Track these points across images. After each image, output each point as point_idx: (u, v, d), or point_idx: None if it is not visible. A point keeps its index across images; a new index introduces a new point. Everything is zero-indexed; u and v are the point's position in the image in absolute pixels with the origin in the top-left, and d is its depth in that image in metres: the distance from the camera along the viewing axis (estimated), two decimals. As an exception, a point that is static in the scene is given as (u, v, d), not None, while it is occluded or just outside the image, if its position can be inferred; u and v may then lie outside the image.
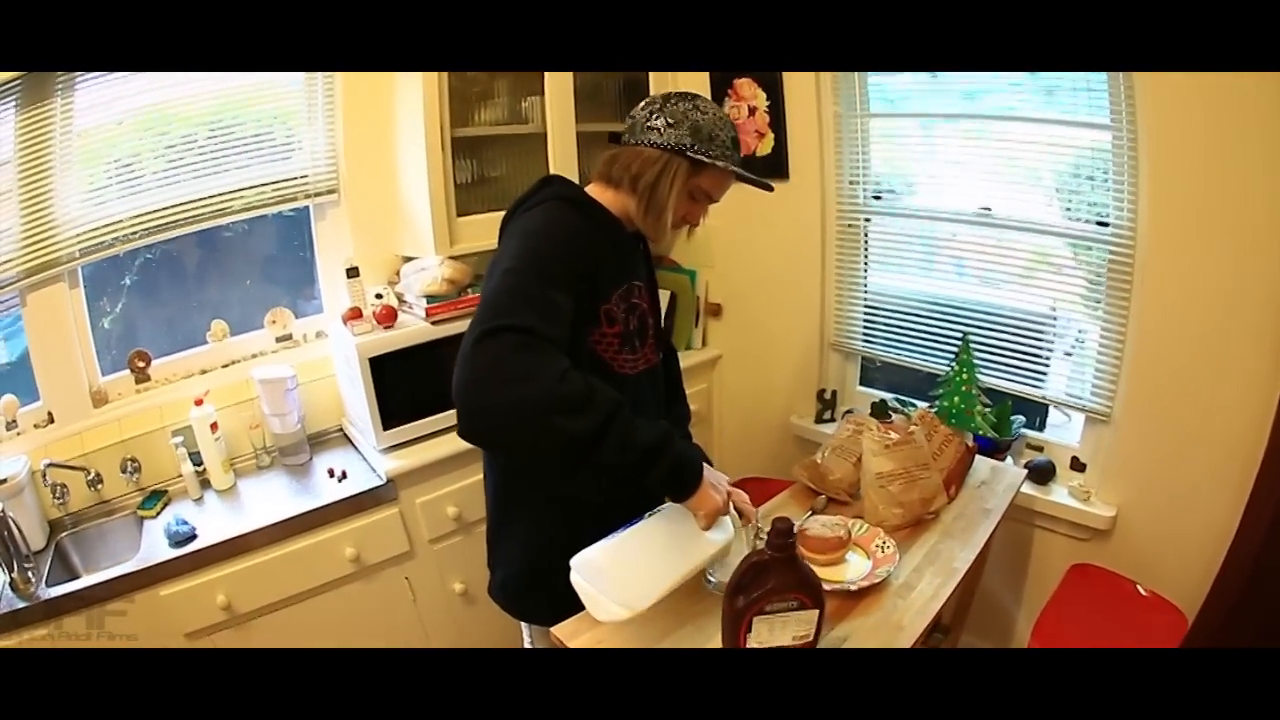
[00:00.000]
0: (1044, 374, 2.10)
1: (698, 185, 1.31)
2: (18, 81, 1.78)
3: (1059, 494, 2.02)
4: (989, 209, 2.09)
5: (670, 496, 1.19)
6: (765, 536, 1.31)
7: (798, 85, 2.30)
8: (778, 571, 1.08)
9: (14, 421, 1.94)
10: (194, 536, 1.87)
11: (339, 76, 2.23)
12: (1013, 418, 2.09)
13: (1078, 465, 2.04)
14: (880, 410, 2.34)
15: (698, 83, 2.51)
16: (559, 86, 2.29)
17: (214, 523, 1.94)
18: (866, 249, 2.41)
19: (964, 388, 1.91)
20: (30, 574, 1.74)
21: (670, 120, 1.27)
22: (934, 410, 1.91)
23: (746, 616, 1.08)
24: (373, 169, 2.32)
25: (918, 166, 2.31)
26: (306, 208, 2.37)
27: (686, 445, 1.16)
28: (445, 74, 2.06)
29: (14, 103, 1.80)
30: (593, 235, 1.27)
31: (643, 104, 1.33)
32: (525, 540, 1.45)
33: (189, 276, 2.35)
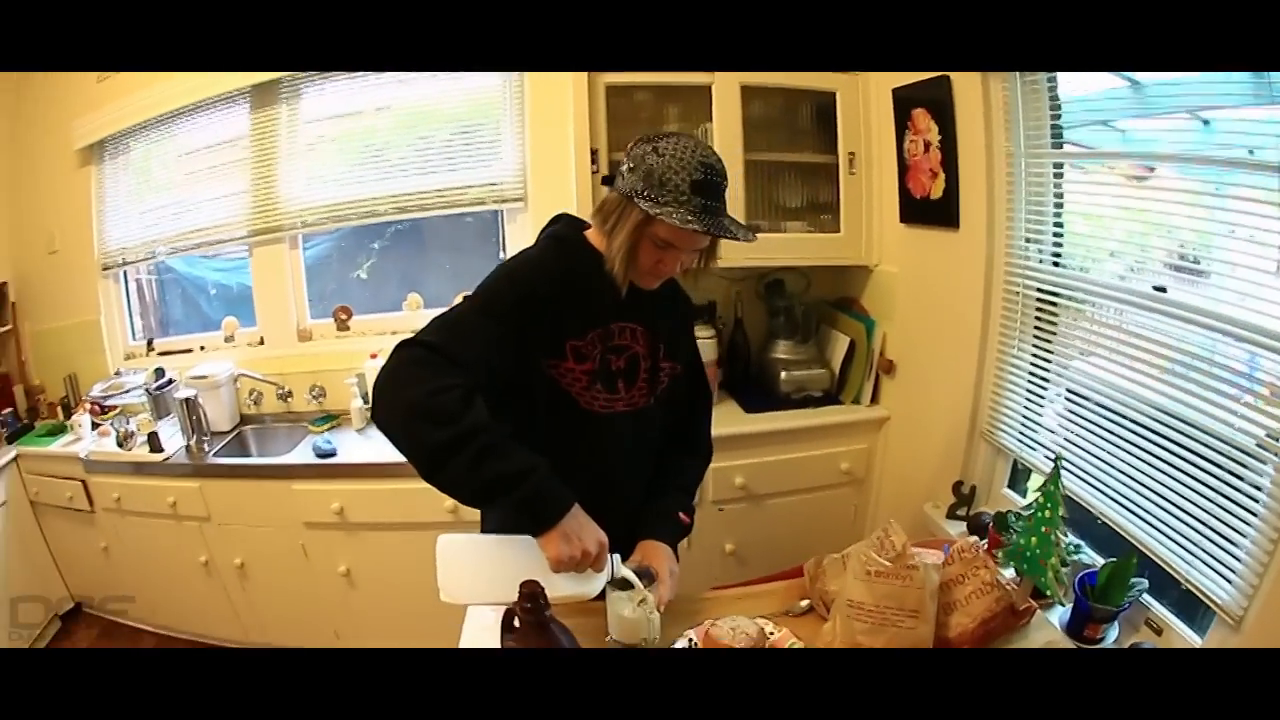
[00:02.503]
0: (1241, 530, 1.35)
1: (656, 234, 1.20)
2: (246, 89, 2.44)
3: (1154, 699, 1.41)
4: (1163, 289, 1.56)
5: (527, 529, 1.16)
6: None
7: (968, 114, 1.98)
8: (520, 635, 1.11)
9: (231, 337, 2.65)
10: (334, 454, 2.35)
11: (528, 89, 2.53)
12: (1135, 580, 1.51)
13: (1192, 667, 1.40)
14: (1001, 524, 1.87)
15: (883, 105, 2.31)
16: (727, 114, 2.33)
17: (358, 450, 2.40)
18: (1048, 326, 1.88)
19: (1044, 529, 1.33)
20: (205, 445, 2.40)
21: (631, 164, 1.20)
22: (1004, 546, 1.42)
23: None
24: (554, 183, 2.56)
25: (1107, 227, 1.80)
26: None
27: (555, 487, 1.13)
28: (601, 99, 2.24)
29: (247, 104, 2.48)
30: (565, 273, 1.27)
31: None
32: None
33: (420, 250, 2.89)
